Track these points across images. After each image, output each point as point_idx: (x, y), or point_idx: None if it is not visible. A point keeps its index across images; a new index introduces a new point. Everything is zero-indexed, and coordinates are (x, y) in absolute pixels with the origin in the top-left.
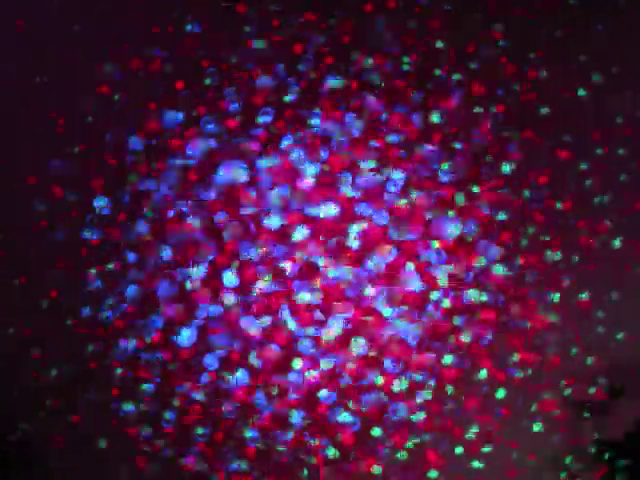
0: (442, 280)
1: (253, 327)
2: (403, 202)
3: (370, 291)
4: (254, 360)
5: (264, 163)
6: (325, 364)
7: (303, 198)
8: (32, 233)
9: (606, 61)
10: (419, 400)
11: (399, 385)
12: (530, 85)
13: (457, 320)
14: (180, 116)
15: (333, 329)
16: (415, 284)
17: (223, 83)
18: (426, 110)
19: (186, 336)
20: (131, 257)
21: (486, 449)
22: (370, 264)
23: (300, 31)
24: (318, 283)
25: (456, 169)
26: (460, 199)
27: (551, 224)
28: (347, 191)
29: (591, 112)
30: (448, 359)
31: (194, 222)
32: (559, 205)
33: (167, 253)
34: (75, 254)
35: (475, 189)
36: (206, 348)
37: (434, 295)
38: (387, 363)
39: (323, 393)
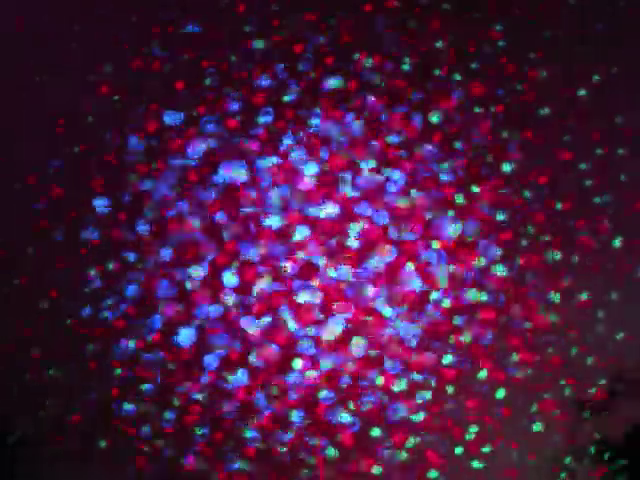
0: (442, 280)
1: (253, 327)
2: (403, 202)
3: (370, 291)
4: (254, 360)
5: (264, 163)
6: (325, 364)
7: (303, 198)
8: (32, 233)
9: (606, 61)
10: (419, 400)
11: (399, 385)
12: (530, 85)
13: (457, 320)
14: (180, 116)
15: (333, 329)
16: (415, 284)
17: (223, 83)
18: (426, 110)
19: (186, 336)
20: (131, 257)
21: (486, 449)
22: (370, 264)
23: (300, 31)
24: (318, 283)
25: (456, 169)
26: (460, 199)
27: (551, 224)
28: (347, 191)
29: (591, 112)
30: (448, 359)
31: (194, 222)
32: (559, 205)
33: (167, 253)
34: (75, 254)
35: (475, 189)
36: (206, 348)
37: (434, 295)
38: (387, 363)
39: (323, 393)
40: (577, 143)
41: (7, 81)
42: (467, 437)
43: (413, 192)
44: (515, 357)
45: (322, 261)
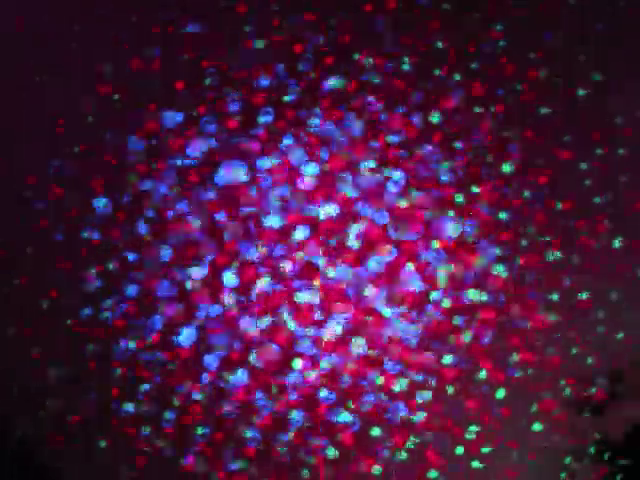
0: (442, 280)
1: (253, 327)
2: (403, 202)
3: (370, 291)
4: (254, 360)
5: (264, 163)
6: (325, 364)
7: (303, 198)
8: (32, 233)
9: (606, 61)
10: (419, 400)
11: (399, 385)
12: (530, 85)
13: (457, 320)
14: (180, 116)
15: (333, 329)
16: (415, 284)
17: (223, 83)
18: (426, 110)
19: (186, 336)
20: (131, 257)
21: (486, 449)
22: (370, 264)
23: (300, 31)
24: (318, 283)
25: (456, 169)
26: (460, 199)
27: (551, 224)
28: (347, 191)
29: (591, 112)
30: (448, 359)
31: (194, 222)
32: (559, 205)
33: (167, 253)
34: (75, 254)
35: (475, 189)
36: (206, 348)
37: (434, 295)
38: (387, 363)
39: (323, 393)
40: (577, 143)
41: (7, 81)
42: (467, 437)
43: (413, 192)
44: (515, 357)
45: (322, 261)
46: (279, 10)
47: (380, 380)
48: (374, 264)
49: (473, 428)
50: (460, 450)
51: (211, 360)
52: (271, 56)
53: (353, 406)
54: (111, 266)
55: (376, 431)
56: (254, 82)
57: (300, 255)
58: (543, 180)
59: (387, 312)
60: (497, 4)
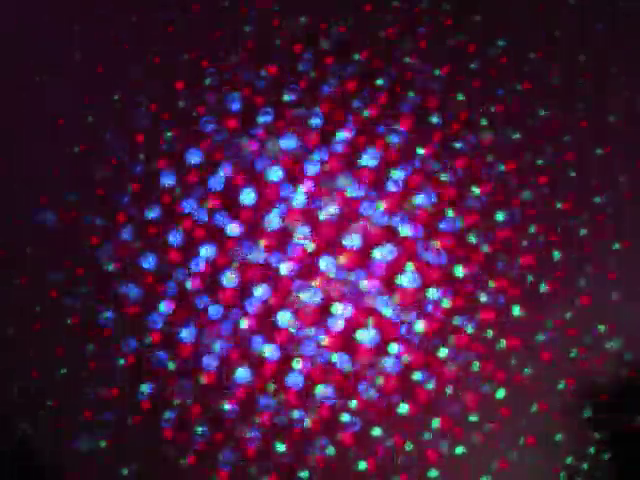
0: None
1: (253, 326)
2: (404, 202)
3: (370, 291)
4: (254, 360)
5: (264, 162)
6: (325, 364)
7: (304, 199)
8: (32, 233)
9: (606, 61)
10: (419, 400)
11: (400, 385)
12: (530, 85)
13: (457, 320)
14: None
15: (333, 328)
16: (415, 284)
17: (223, 83)
18: (426, 110)
19: (186, 335)
20: (131, 258)
21: (485, 449)
22: (370, 263)
23: (300, 31)
24: (318, 283)
25: (456, 169)
26: (460, 199)
27: (551, 224)
28: (347, 191)
29: (591, 112)
30: (448, 359)
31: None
32: (559, 205)
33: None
34: (75, 254)
35: (475, 189)
36: (206, 348)
37: (434, 295)
38: (388, 363)
39: (323, 394)
40: (577, 143)
41: (7, 81)
42: (467, 437)
43: (413, 192)
44: (515, 357)
45: (322, 262)
46: (279, 10)
47: (380, 380)
48: (374, 263)
49: (473, 427)
50: (460, 450)
51: (211, 360)
52: (271, 56)
53: (353, 407)
54: (111, 267)
55: (376, 431)
56: (254, 82)
57: (300, 255)
58: (543, 180)
59: (387, 312)
60: (497, 4)
